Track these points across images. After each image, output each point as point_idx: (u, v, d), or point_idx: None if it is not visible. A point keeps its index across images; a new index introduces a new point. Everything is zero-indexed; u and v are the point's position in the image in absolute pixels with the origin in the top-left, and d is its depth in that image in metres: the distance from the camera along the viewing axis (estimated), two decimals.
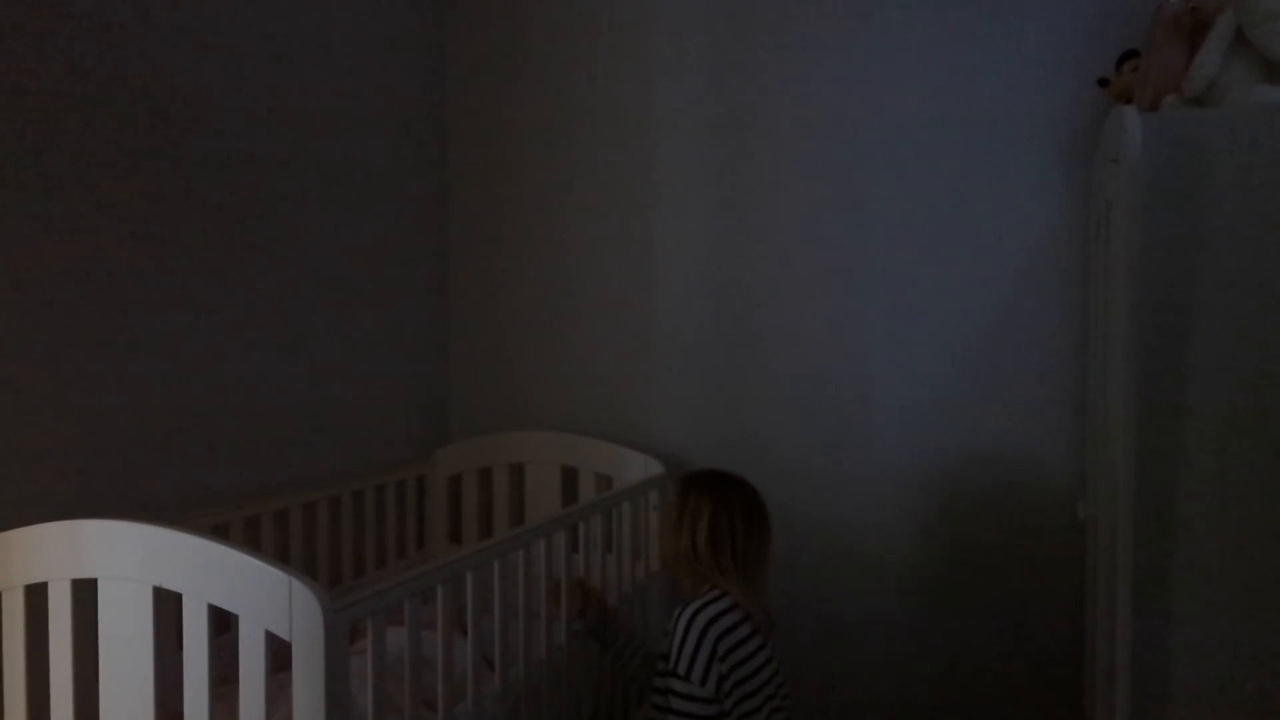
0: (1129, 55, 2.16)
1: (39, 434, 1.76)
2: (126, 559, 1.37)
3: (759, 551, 1.80)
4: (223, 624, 1.37)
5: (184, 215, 2.08)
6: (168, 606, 1.37)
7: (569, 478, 2.82)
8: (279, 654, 1.30)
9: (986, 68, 2.46)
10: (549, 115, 2.89)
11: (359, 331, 2.64)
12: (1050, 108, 2.41)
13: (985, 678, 2.50)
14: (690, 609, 1.68)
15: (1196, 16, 1.78)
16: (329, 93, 2.53)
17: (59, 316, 1.81)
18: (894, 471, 2.57)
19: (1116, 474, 1.75)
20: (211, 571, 1.32)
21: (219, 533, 1.98)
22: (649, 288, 2.80)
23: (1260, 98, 1.65)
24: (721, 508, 1.77)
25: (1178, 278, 1.65)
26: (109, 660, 1.38)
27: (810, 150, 2.63)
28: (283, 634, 1.28)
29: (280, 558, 1.98)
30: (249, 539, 2.18)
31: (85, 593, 1.41)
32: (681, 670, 1.64)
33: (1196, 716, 1.66)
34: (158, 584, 1.35)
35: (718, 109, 2.71)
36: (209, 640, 1.34)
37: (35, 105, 1.76)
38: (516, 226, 2.95)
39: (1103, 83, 2.25)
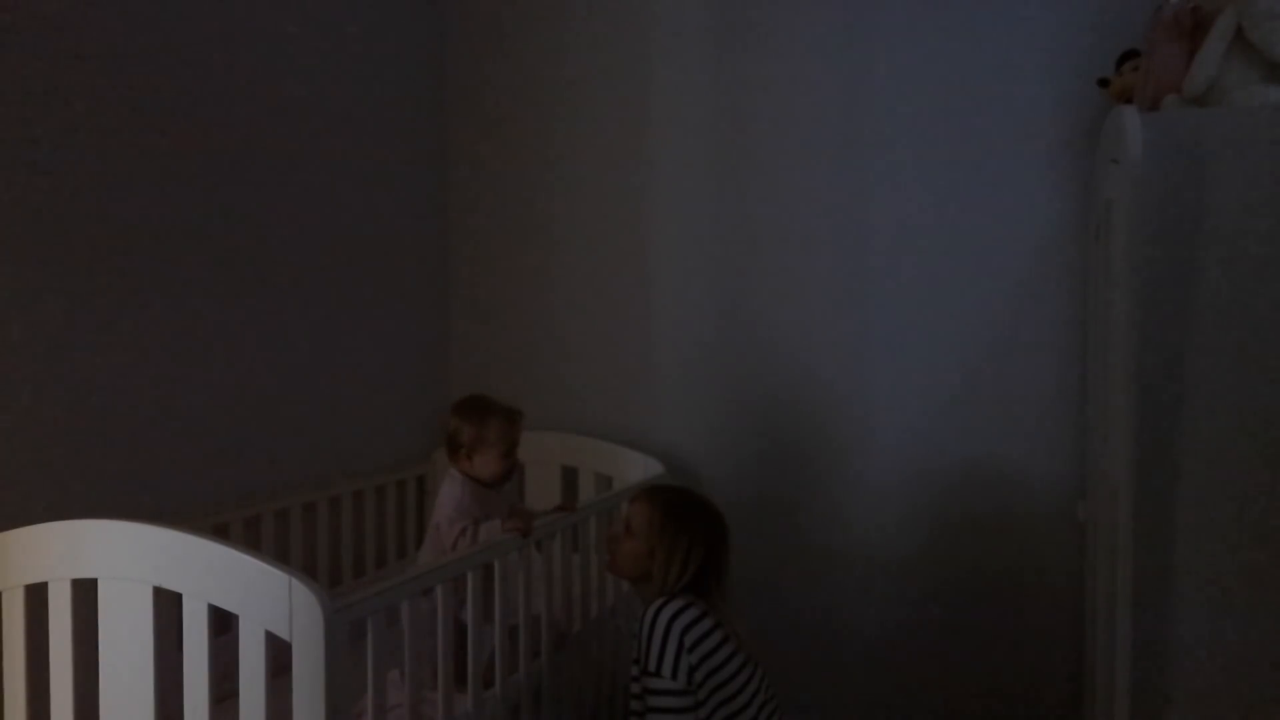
0: (1129, 55, 2.16)
1: (39, 434, 1.76)
2: (126, 559, 1.37)
3: (727, 571, 1.83)
4: (223, 624, 1.37)
5: (183, 214, 2.08)
6: (168, 606, 1.37)
7: (569, 478, 2.82)
8: (279, 654, 1.30)
9: (986, 68, 2.46)
10: (549, 116, 2.89)
11: (359, 332, 2.64)
12: (1050, 108, 2.40)
13: (985, 678, 2.50)
14: (654, 607, 1.71)
15: (1196, 16, 1.78)
16: (328, 92, 2.53)
17: (58, 316, 1.81)
18: (894, 471, 2.57)
19: (1116, 475, 1.75)
20: (211, 571, 1.32)
21: (219, 533, 1.98)
22: (649, 288, 2.80)
23: (1260, 98, 1.65)
24: (700, 543, 1.78)
25: (1177, 278, 1.65)
26: (109, 660, 1.38)
27: (809, 152, 2.62)
28: (283, 634, 1.28)
29: (280, 558, 1.97)
30: (249, 539, 2.18)
31: (85, 593, 1.41)
32: (652, 667, 1.65)
33: (1196, 716, 1.66)
34: (158, 584, 1.35)
35: (717, 109, 2.71)
36: (209, 640, 1.34)
37: (34, 104, 1.76)
38: (516, 227, 2.95)
39: (1103, 83, 2.25)
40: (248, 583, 1.30)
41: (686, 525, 1.80)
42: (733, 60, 2.69)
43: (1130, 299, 1.67)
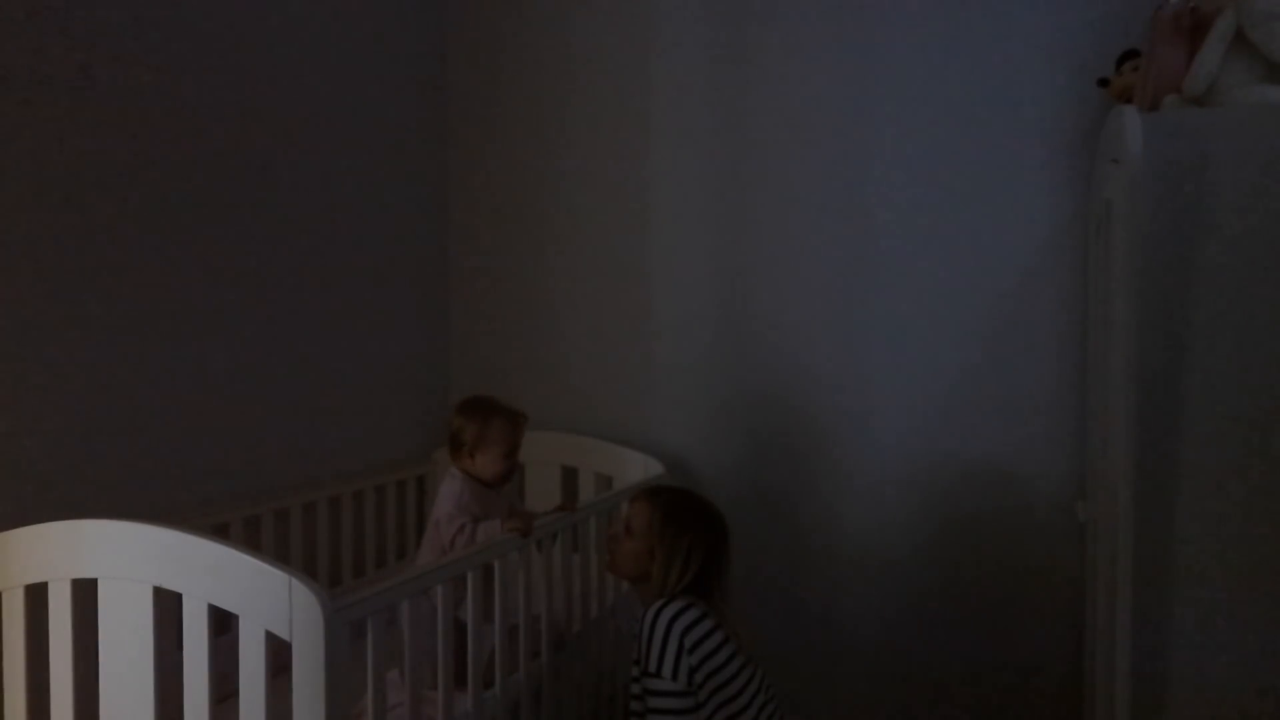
0: (1129, 55, 2.16)
1: (39, 434, 1.76)
2: (126, 559, 1.37)
3: (728, 572, 1.84)
4: (223, 624, 1.37)
5: (183, 215, 2.08)
6: (168, 606, 1.37)
7: (569, 478, 2.82)
8: (279, 654, 1.30)
9: (987, 68, 2.45)
10: (549, 116, 2.89)
11: (359, 332, 2.64)
12: (1050, 108, 2.40)
13: (985, 678, 2.50)
14: (654, 608, 1.71)
15: (1196, 16, 1.78)
16: (329, 92, 2.53)
17: (59, 317, 1.81)
18: (894, 471, 2.57)
19: (1116, 475, 1.75)
20: (211, 571, 1.32)
21: (219, 533, 1.98)
22: (649, 288, 2.80)
23: (1260, 98, 1.65)
24: (700, 544, 1.78)
25: (1177, 277, 1.65)
26: (109, 660, 1.38)
27: (810, 151, 2.62)
28: (283, 634, 1.28)
29: (280, 558, 1.97)
30: (249, 539, 2.18)
31: (85, 593, 1.41)
32: (652, 668, 1.65)
33: (1196, 716, 1.66)
34: (158, 584, 1.35)
35: (717, 109, 2.71)
36: (209, 640, 1.34)
37: (35, 107, 1.76)
38: (517, 227, 2.95)
39: (1103, 83, 2.25)
40: (248, 583, 1.30)
41: (687, 526, 1.80)
42: (733, 61, 2.69)
43: (1130, 299, 1.67)
